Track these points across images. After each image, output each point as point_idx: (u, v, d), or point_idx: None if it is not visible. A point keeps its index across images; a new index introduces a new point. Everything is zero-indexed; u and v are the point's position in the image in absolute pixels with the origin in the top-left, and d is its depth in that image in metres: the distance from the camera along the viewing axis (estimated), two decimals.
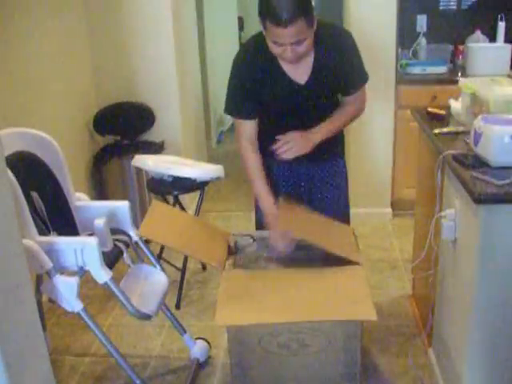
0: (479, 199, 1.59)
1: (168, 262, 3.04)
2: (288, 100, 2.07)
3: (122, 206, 2.18)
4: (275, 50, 1.88)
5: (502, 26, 3.73)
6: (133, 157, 2.95)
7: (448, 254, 1.98)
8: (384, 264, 3.22)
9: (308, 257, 2.04)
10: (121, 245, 2.12)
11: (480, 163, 1.77)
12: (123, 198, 3.49)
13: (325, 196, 2.24)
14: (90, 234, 2.11)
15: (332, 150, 2.24)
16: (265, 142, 2.20)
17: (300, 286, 1.82)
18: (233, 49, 6.86)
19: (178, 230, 2.08)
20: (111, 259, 2.06)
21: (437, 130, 2.11)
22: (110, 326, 2.74)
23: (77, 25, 3.42)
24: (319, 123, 2.11)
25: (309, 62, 1.99)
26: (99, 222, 2.01)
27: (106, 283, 1.90)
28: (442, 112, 2.31)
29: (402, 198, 3.74)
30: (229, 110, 2.12)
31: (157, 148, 3.56)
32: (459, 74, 3.66)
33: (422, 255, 2.06)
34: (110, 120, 3.54)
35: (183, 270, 2.95)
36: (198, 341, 2.45)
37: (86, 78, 3.52)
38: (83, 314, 1.91)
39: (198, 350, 2.42)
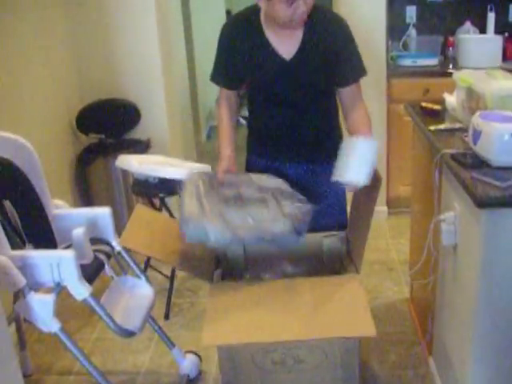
0: (482, 203, 1.50)
1: (156, 270, 2.94)
2: (273, 77, 1.95)
3: (102, 214, 2.07)
4: (285, 12, 1.76)
5: (491, 16, 3.66)
6: (118, 156, 2.85)
7: (448, 259, 1.88)
8: (380, 266, 3.13)
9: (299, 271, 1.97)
10: (102, 256, 2.01)
11: (480, 163, 1.68)
12: (109, 200, 3.41)
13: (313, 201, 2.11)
14: (69, 246, 2.00)
15: (328, 151, 2.10)
16: (256, 142, 2.13)
17: (293, 300, 1.71)
18: None
19: (162, 238, 1.97)
20: (91, 272, 1.95)
21: (432, 127, 2.01)
22: (96, 340, 2.63)
23: (57, 19, 3.29)
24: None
25: (297, 36, 1.89)
26: (77, 232, 1.90)
27: (85, 300, 1.79)
28: (437, 107, 2.21)
29: (398, 195, 3.65)
30: (213, 76, 2.09)
31: (143, 146, 3.45)
32: (450, 66, 3.58)
33: (421, 261, 1.96)
34: (94, 118, 3.42)
35: (172, 278, 2.85)
36: (188, 355, 2.35)
37: (67, 74, 3.39)
38: (61, 335, 1.79)
39: (188, 365, 2.31)
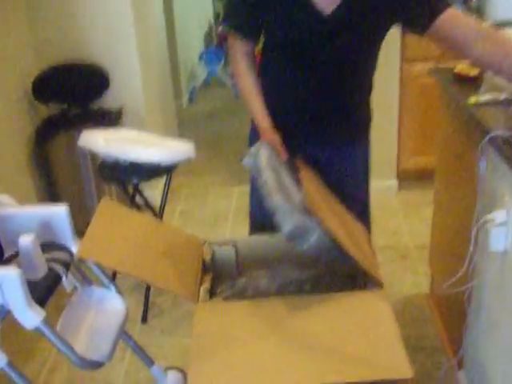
0: None
1: None
2: (304, 35, 1.60)
3: (57, 212, 1.73)
4: None
5: None
6: (84, 129, 2.50)
7: (492, 266, 1.57)
8: (392, 253, 2.82)
9: (305, 277, 1.65)
10: (59, 266, 1.67)
11: None
12: (75, 183, 3.07)
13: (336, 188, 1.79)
14: (16, 254, 1.67)
15: (356, 131, 1.86)
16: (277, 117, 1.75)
17: (302, 327, 1.40)
18: None
19: (134, 244, 1.63)
20: (45, 289, 1.61)
21: (473, 99, 1.68)
22: None
23: None
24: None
25: None
26: (25, 241, 1.56)
27: (36, 329, 1.47)
28: (474, 73, 1.87)
29: (409, 167, 3.33)
30: (228, 19, 1.80)
31: (113, 117, 3.11)
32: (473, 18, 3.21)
33: (459, 274, 1.64)
34: (55, 84, 3.04)
35: None
36: (170, 372, 2.05)
37: (21, 32, 3.00)
38: (9, 370, 1.49)
39: None
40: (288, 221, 1.43)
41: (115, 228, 1.65)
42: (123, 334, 1.87)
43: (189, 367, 1.29)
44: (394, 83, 3.12)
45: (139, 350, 1.97)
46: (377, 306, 1.44)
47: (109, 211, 1.71)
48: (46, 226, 1.71)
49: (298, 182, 1.60)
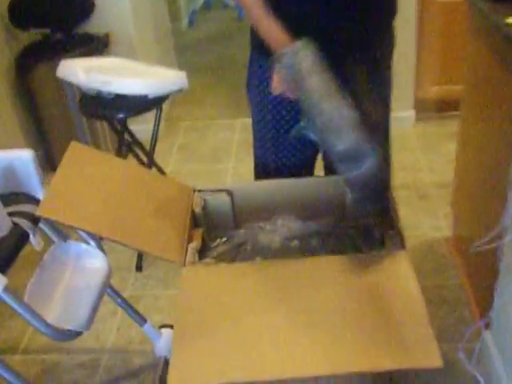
0: None
1: None
2: None
3: (21, 157, 1.49)
4: None
5: None
6: (69, 57, 2.26)
7: None
8: (410, 191, 2.57)
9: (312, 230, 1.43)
10: (25, 221, 1.45)
11: None
12: (63, 120, 2.83)
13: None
14: None
15: (376, 57, 1.59)
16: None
17: (309, 299, 1.17)
18: None
19: (109, 198, 1.39)
20: (9, 249, 1.39)
21: (511, 19, 1.39)
22: None
23: None
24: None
25: None
26: None
27: None
28: None
29: (428, 96, 3.04)
30: None
31: (100, 43, 2.83)
32: None
33: (493, 233, 1.40)
34: (33, 8, 2.76)
35: None
36: (164, 330, 1.86)
37: None
38: None
39: (164, 343, 1.83)
40: (344, 137, 1.19)
41: (87, 179, 1.41)
42: (109, 292, 1.68)
43: (172, 348, 1.08)
44: (411, 4, 2.76)
45: (130, 309, 1.78)
46: (399, 274, 1.21)
47: (79, 158, 1.47)
48: (8, 175, 1.48)
49: (348, 94, 1.28)
